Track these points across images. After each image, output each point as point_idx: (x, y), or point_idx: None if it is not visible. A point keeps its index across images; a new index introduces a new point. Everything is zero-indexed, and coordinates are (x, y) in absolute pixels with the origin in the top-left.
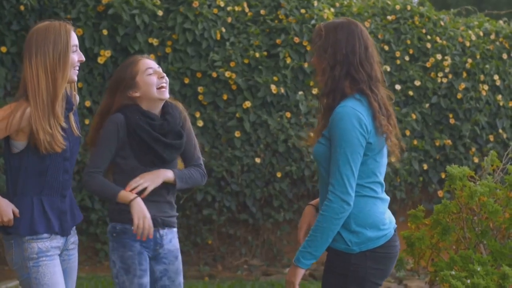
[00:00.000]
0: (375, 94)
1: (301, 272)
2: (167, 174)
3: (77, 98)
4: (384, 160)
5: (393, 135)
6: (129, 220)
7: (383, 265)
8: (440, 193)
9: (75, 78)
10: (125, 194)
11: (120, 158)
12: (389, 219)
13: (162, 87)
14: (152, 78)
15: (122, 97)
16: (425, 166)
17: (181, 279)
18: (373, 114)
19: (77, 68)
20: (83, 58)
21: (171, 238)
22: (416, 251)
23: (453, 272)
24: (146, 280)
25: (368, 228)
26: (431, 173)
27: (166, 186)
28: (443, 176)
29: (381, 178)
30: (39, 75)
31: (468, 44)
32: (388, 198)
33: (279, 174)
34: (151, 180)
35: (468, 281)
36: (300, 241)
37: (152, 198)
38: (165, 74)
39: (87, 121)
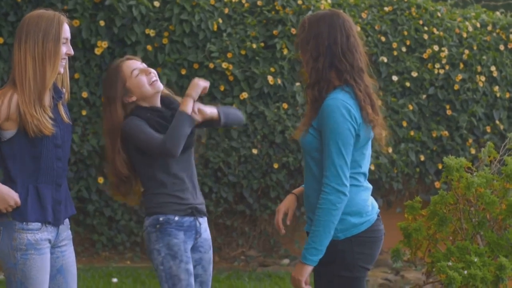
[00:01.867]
0: (359, 84)
1: (308, 270)
2: (211, 109)
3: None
4: (369, 152)
5: (379, 124)
6: (173, 210)
7: (369, 249)
8: (437, 184)
9: (62, 70)
10: (184, 106)
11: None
12: (371, 205)
13: (154, 81)
14: (141, 78)
15: (121, 107)
16: (422, 157)
17: (211, 269)
18: (359, 104)
19: (64, 61)
20: (72, 52)
21: (206, 227)
22: (413, 242)
23: (450, 263)
24: (192, 268)
25: (352, 215)
26: (428, 164)
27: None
28: (440, 167)
29: (365, 169)
30: (26, 61)
31: (465, 35)
32: (370, 186)
33: (276, 165)
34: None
35: (465, 272)
36: (277, 224)
37: (189, 186)
38: (151, 69)
39: (84, 112)
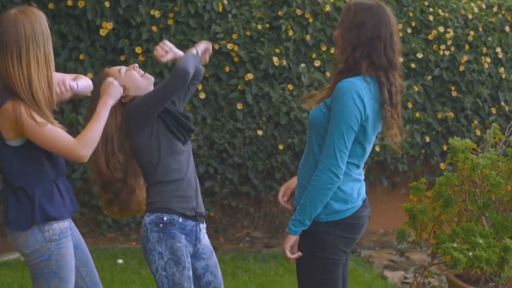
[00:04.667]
0: (390, 82)
1: (291, 239)
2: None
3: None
4: (370, 148)
5: (395, 126)
6: (178, 208)
7: (350, 234)
8: (442, 165)
9: None
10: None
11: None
12: (358, 193)
13: (143, 74)
14: (131, 72)
15: (122, 106)
16: (427, 139)
17: (220, 272)
18: (381, 103)
19: None
20: None
21: (205, 233)
22: (418, 224)
23: (455, 245)
24: (191, 273)
25: (336, 201)
26: (433, 146)
27: (191, 158)
28: (445, 148)
29: (361, 162)
30: (31, 70)
31: (470, 16)
32: (362, 178)
33: (281, 147)
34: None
35: (470, 253)
36: (279, 201)
37: (192, 185)
38: (134, 64)
39: (89, 93)
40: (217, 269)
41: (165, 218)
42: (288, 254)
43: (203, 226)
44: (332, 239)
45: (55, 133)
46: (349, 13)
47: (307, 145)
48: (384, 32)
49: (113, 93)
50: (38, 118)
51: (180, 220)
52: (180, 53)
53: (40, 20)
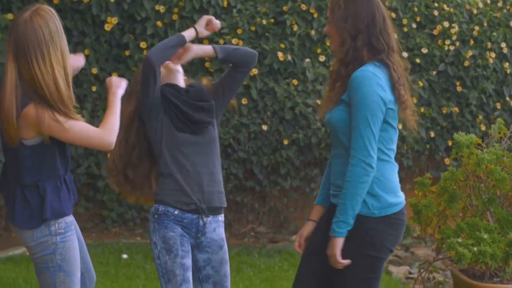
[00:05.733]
0: (394, 63)
1: (339, 242)
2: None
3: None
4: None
5: (409, 106)
6: (175, 202)
7: (397, 231)
8: (447, 160)
9: None
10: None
11: (157, 131)
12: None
13: (167, 63)
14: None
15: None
16: (432, 134)
17: (227, 269)
18: (393, 84)
19: None
20: None
21: (216, 228)
22: (423, 219)
23: (459, 240)
24: (189, 262)
25: (388, 193)
26: (438, 141)
27: (208, 149)
28: (450, 143)
29: (395, 146)
30: (55, 72)
31: (475, 11)
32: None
33: (286, 142)
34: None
35: (475, 248)
36: (295, 248)
37: (203, 181)
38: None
39: (94, 88)
40: (222, 266)
41: (160, 209)
42: (340, 259)
43: (211, 220)
44: (381, 236)
45: (82, 129)
46: (339, 5)
47: (335, 146)
48: (378, 16)
49: (118, 84)
50: (62, 119)
51: (176, 212)
52: (199, 48)
53: (53, 17)
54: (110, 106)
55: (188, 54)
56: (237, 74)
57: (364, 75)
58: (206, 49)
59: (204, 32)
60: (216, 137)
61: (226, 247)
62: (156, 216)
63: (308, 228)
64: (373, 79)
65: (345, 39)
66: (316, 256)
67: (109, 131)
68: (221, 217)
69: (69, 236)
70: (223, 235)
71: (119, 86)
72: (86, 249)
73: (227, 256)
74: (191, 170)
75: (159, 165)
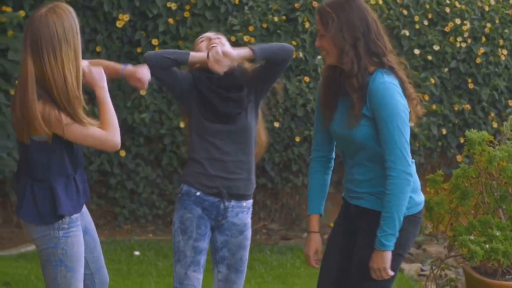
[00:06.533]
0: (394, 64)
1: (389, 255)
2: (240, 50)
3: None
4: None
5: (416, 99)
6: (197, 183)
7: (416, 229)
8: (459, 157)
9: None
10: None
11: (190, 116)
12: None
13: (212, 47)
14: (201, 45)
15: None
16: (444, 131)
17: (244, 254)
18: (402, 84)
19: None
20: None
21: (239, 212)
22: (435, 216)
23: (471, 237)
24: (203, 245)
25: (413, 192)
26: (450, 138)
27: (239, 138)
28: (462, 140)
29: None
30: (65, 69)
31: (487, 8)
32: None
33: (297, 139)
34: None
35: (487, 246)
36: (311, 265)
37: (229, 165)
38: (219, 36)
39: None
40: (239, 250)
41: (184, 189)
42: (390, 272)
43: (234, 204)
44: (406, 235)
45: (87, 133)
46: (331, 17)
47: (355, 161)
48: (370, 21)
49: (97, 77)
50: (67, 120)
51: (198, 193)
52: (236, 52)
53: (69, 15)
54: (103, 102)
55: (230, 62)
56: (276, 68)
57: (385, 86)
58: (243, 52)
59: (214, 66)
60: (249, 124)
61: (249, 233)
62: (179, 195)
63: (315, 241)
64: (394, 89)
65: (345, 50)
66: (338, 254)
67: (113, 132)
68: (247, 203)
69: (73, 232)
70: (247, 221)
71: (102, 77)
72: (101, 250)
73: (247, 242)
74: (218, 157)
75: (189, 147)
